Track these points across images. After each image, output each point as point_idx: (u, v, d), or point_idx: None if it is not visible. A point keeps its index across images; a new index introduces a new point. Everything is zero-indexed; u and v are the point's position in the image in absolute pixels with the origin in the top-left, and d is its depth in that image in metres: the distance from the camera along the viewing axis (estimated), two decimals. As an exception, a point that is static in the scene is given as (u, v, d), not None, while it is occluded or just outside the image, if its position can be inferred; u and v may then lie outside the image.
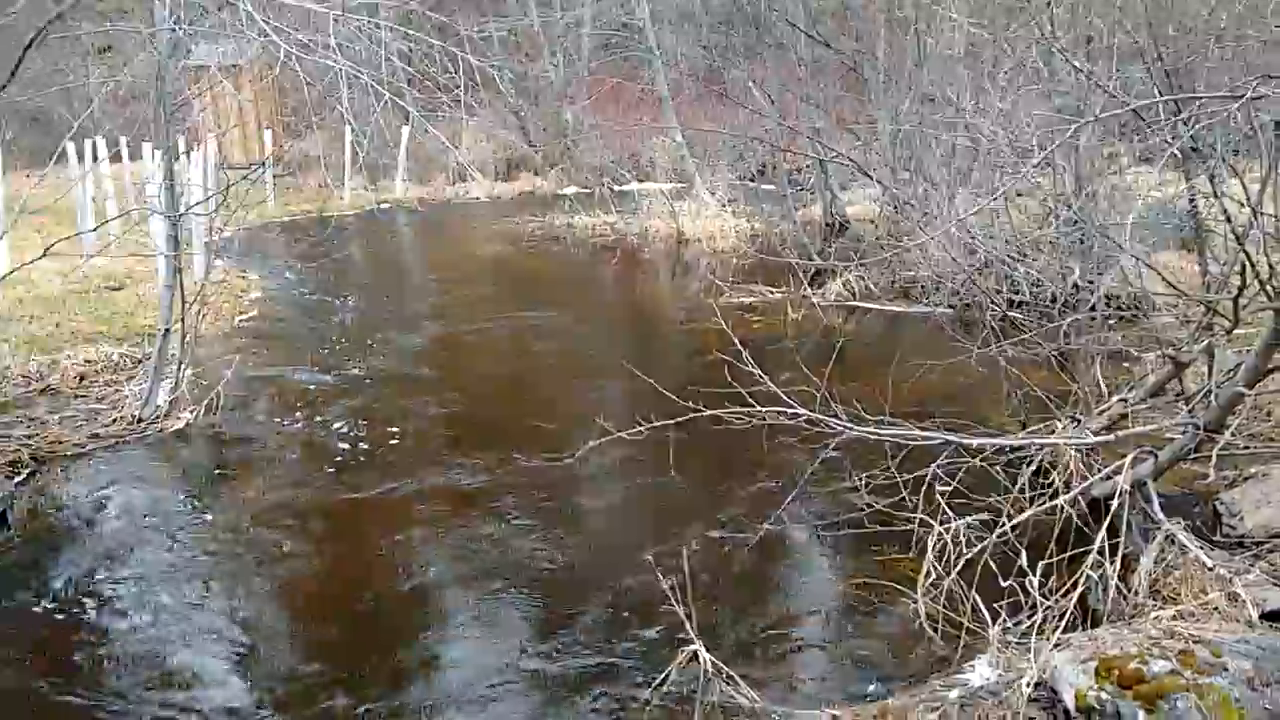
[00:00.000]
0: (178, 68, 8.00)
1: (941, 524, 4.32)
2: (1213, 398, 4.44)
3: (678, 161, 17.65)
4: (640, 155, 20.25)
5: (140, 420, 6.69)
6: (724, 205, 15.27)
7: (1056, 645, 3.58)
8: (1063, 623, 3.79)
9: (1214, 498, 4.91)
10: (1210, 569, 4.06)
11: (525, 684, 3.96)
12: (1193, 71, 5.32)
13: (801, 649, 4.17)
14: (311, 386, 7.77)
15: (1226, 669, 3.13)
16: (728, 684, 3.57)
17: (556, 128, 22.48)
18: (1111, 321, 6.00)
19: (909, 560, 4.59)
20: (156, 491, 5.79)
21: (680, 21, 21.40)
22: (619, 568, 4.86)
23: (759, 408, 4.46)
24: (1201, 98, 3.87)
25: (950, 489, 4.67)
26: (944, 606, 4.09)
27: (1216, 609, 3.87)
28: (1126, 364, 6.40)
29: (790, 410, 4.39)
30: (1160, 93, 4.39)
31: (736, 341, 4.88)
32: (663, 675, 3.72)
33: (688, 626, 3.64)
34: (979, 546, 4.17)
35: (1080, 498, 4.58)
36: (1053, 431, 5.13)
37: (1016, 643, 3.78)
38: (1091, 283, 5.39)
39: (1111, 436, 4.71)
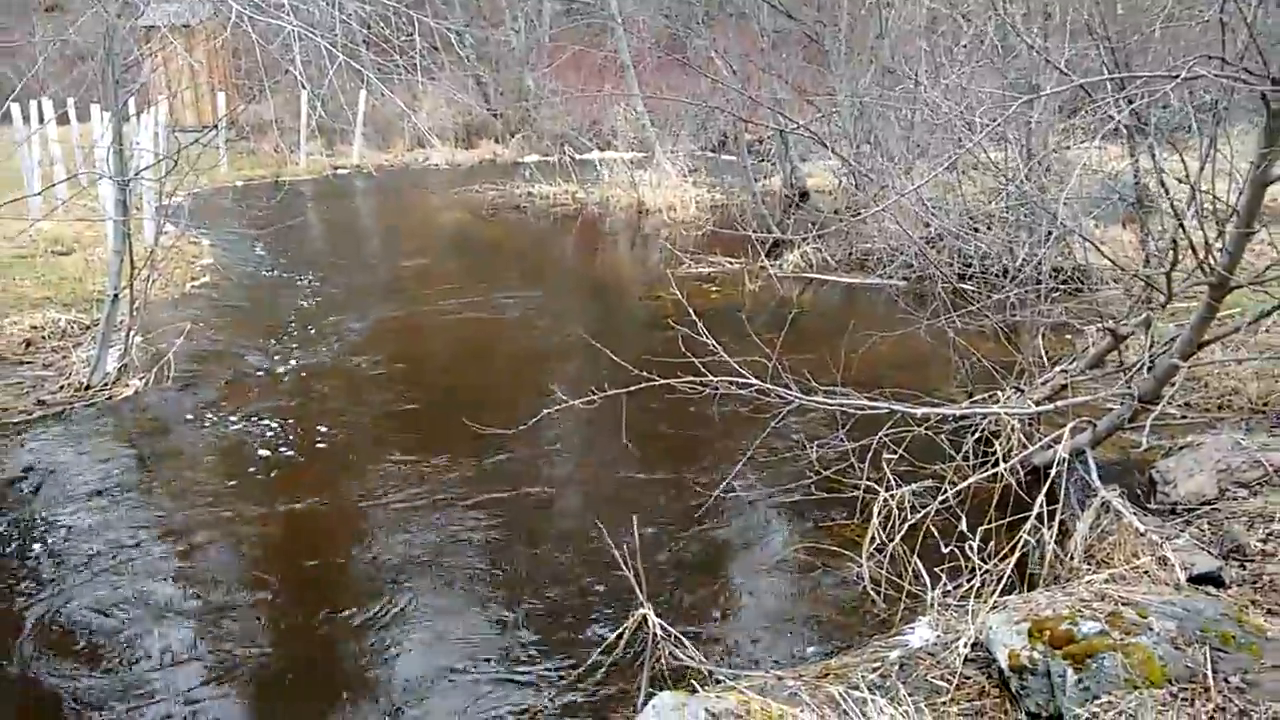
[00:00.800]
0: (127, 27, 7.80)
1: (887, 491, 4.42)
2: (1149, 369, 4.56)
3: (639, 130, 17.57)
4: (602, 123, 20.14)
5: (88, 387, 6.60)
6: (685, 175, 15.27)
7: (993, 608, 3.68)
8: (1000, 586, 3.90)
9: (1150, 466, 5.06)
10: (1142, 534, 4.19)
11: (476, 648, 4.00)
12: (1143, 50, 5.41)
13: (749, 612, 4.26)
14: (263, 353, 7.70)
15: (1152, 629, 3.24)
16: (675, 646, 3.65)
17: (518, 94, 22.26)
18: (1056, 294, 6.12)
19: (855, 526, 4.70)
20: (104, 459, 5.72)
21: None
22: (571, 534, 4.91)
23: (711, 378, 4.51)
24: (1142, 76, 3.95)
25: (896, 457, 4.77)
26: (887, 571, 4.20)
27: (1147, 572, 4.01)
28: (1069, 336, 6.55)
29: (742, 380, 4.45)
30: (1107, 70, 4.46)
31: (692, 312, 4.92)
32: (611, 638, 3.78)
33: (637, 590, 3.70)
34: (922, 513, 4.28)
35: (1021, 466, 4.70)
36: (997, 401, 5.25)
37: (955, 605, 3.89)
38: (1037, 256, 5.50)
39: (1052, 406, 4.83)
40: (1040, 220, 5.60)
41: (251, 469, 5.63)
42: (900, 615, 4.03)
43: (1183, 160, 4.38)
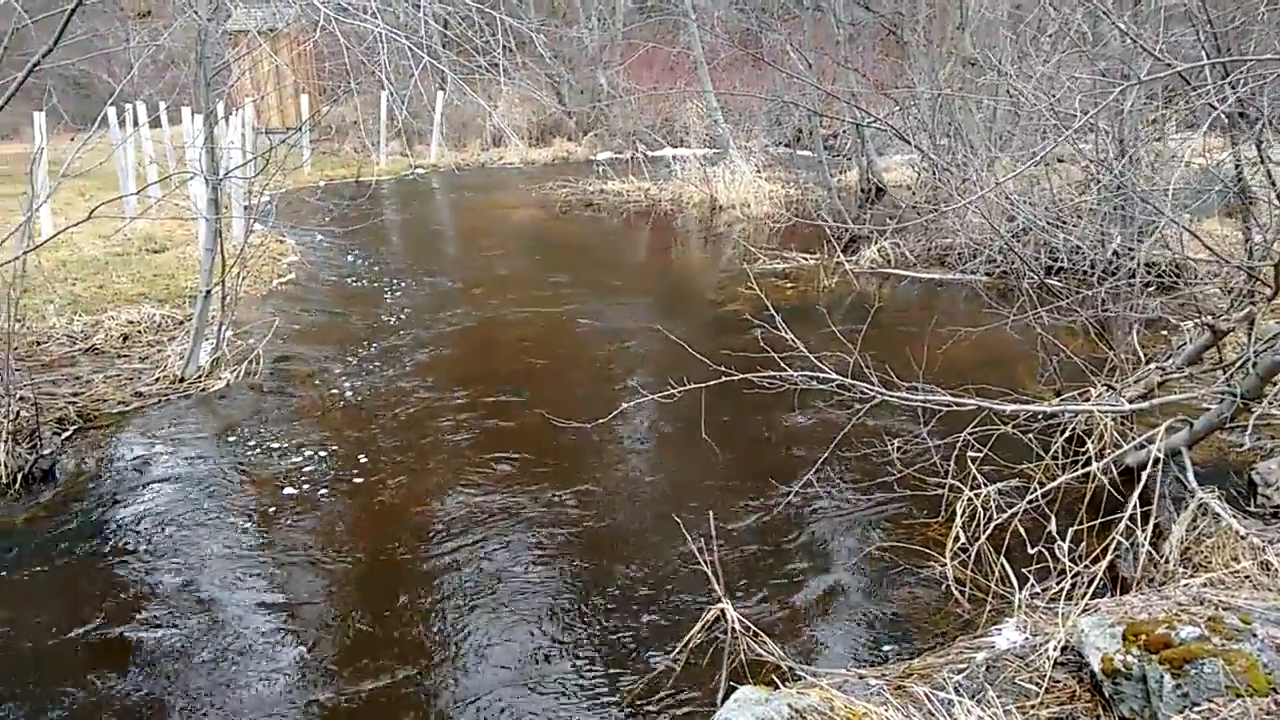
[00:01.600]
0: (217, 32, 8.06)
1: (972, 490, 4.33)
2: (1251, 366, 4.38)
3: (712, 126, 17.52)
4: (674, 120, 20.14)
5: (182, 380, 6.83)
6: (759, 171, 15.18)
7: (1085, 610, 3.58)
8: (1091, 588, 3.79)
9: (1249, 468, 4.86)
10: (1243, 537, 4.04)
11: (554, 640, 4.04)
12: (1244, 34, 5.19)
13: (828, 609, 4.22)
14: (345, 348, 7.89)
15: (1256, 635, 3.12)
16: (754, 641, 3.63)
17: (591, 92, 22.39)
18: (1150, 289, 5.91)
19: (938, 525, 4.62)
20: (198, 449, 5.92)
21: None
22: (650, 528, 4.93)
23: (792, 372, 4.47)
24: (1250, 60, 3.78)
25: (982, 455, 4.67)
26: (972, 571, 4.12)
27: (1248, 577, 3.86)
28: (1164, 332, 6.33)
29: (823, 375, 4.40)
30: (1208, 55, 4.28)
31: (770, 306, 4.88)
32: (690, 633, 3.78)
33: (715, 585, 3.69)
34: (1009, 513, 4.18)
35: (1113, 466, 4.56)
36: (1088, 399, 5.10)
37: (1044, 607, 3.79)
38: (1131, 250, 5.31)
39: (1147, 405, 4.68)
40: (1133, 212, 5.41)
41: (335, 461, 5.77)
42: (986, 617, 3.95)
43: (1289, 148, 4.20)
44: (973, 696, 3.26)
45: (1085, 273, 5.76)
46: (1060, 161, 8.30)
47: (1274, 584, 3.77)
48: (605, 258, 12.07)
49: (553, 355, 7.89)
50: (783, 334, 4.67)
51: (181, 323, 7.98)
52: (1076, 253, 5.84)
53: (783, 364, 4.49)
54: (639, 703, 3.64)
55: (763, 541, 4.76)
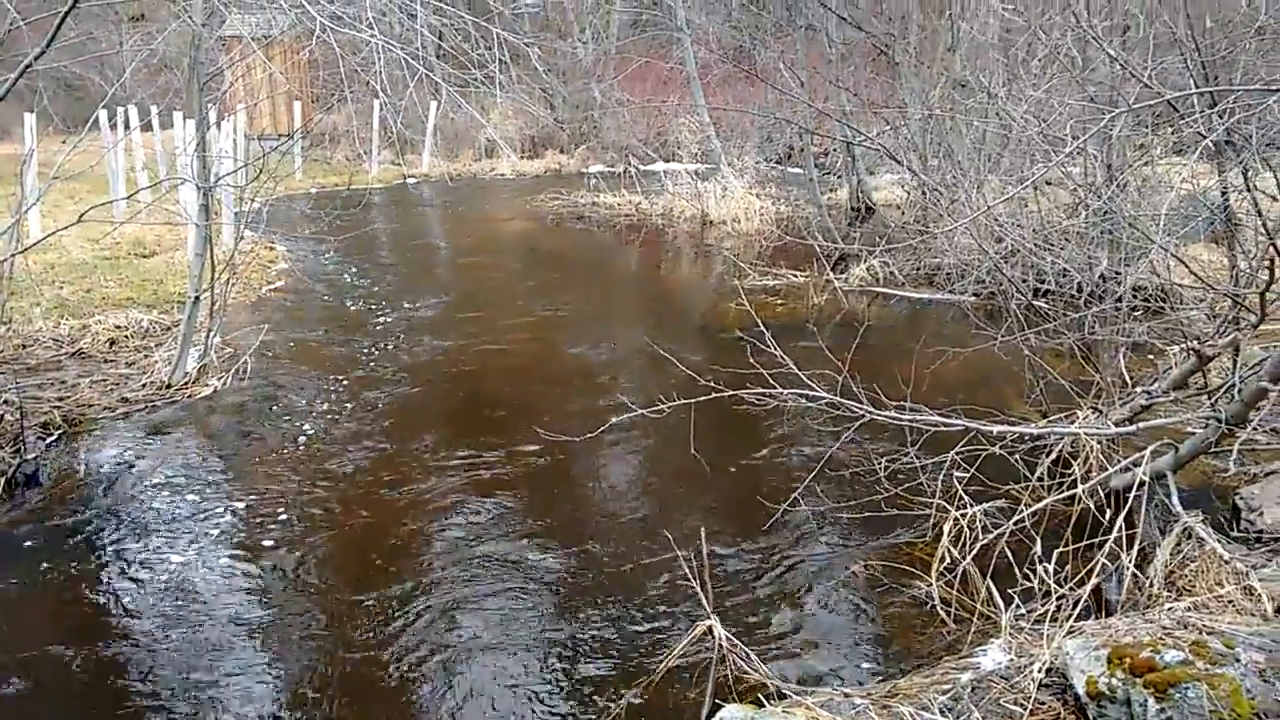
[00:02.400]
0: (212, 38, 8.05)
1: (958, 510, 4.34)
2: (1236, 392, 4.42)
3: (704, 142, 17.60)
4: (667, 135, 20.21)
5: (169, 386, 6.80)
6: (750, 187, 15.25)
7: (1069, 633, 3.60)
8: (1076, 611, 3.80)
9: (1233, 493, 4.90)
10: (1227, 562, 4.06)
11: (539, 654, 4.02)
12: (1230, 64, 5.26)
13: (815, 627, 4.22)
14: (336, 356, 7.87)
15: (1239, 660, 3.14)
16: (741, 659, 3.62)
17: (584, 105, 22.46)
18: (1137, 313, 5.96)
19: (925, 545, 4.63)
20: (184, 455, 5.89)
21: (710, 0, 21.27)
22: (637, 543, 4.92)
23: (781, 390, 4.48)
24: (1238, 90, 3.83)
25: (969, 476, 4.69)
26: (958, 591, 4.13)
27: (1231, 602, 3.88)
28: (1150, 356, 6.38)
29: (811, 393, 4.41)
30: (1196, 84, 4.34)
31: (760, 323, 4.90)
32: (676, 648, 3.77)
33: (703, 601, 3.68)
34: (995, 533, 4.19)
35: (1099, 488, 4.59)
36: (1074, 421, 5.13)
37: (1029, 629, 3.80)
38: (1118, 274, 5.36)
39: (1133, 428, 4.71)
40: (1120, 237, 5.46)
41: (322, 470, 5.74)
42: (971, 637, 3.95)
43: (1276, 176, 4.24)
44: (957, 717, 3.27)
45: (1072, 295, 5.81)
46: (1048, 184, 8.38)
47: (1257, 609, 3.79)
48: (596, 271, 12.08)
49: (542, 368, 7.89)
50: (773, 351, 4.69)
51: (169, 328, 7.94)
52: (1064, 275, 5.90)
53: (772, 381, 4.50)
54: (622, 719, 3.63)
55: (750, 558, 4.76)
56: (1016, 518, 4.23)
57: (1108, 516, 4.27)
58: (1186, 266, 4.50)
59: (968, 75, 11.07)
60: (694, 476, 5.49)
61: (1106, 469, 4.78)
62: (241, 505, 5.30)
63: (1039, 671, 3.44)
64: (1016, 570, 4.10)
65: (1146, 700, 3.05)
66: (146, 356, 7.38)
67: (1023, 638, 3.77)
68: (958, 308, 8.95)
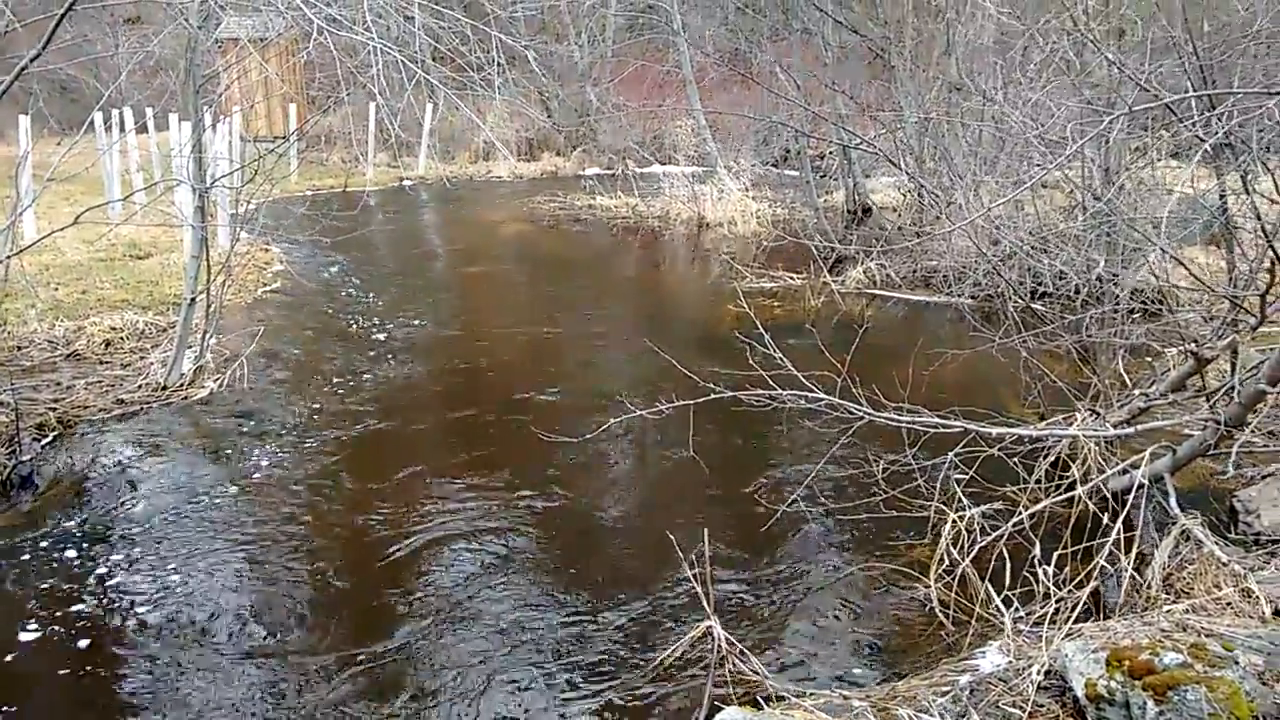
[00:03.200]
0: (208, 40, 8.04)
1: (957, 512, 4.35)
2: (1235, 394, 4.43)
3: (700, 145, 17.61)
4: (663, 138, 20.23)
5: (165, 387, 6.77)
6: (746, 190, 15.26)
7: (1068, 635, 3.60)
8: (1075, 613, 3.81)
9: (1231, 495, 4.90)
10: (1225, 564, 4.07)
11: (538, 654, 4.01)
12: (1227, 67, 5.27)
13: (814, 629, 4.21)
14: (330, 359, 7.85)
15: (1238, 663, 3.14)
16: (741, 660, 3.62)
17: (580, 108, 22.47)
18: (1135, 315, 5.98)
19: (923, 546, 4.63)
20: (179, 457, 5.87)
21: (706, 3, 21.29)
22: (636, 544, 4.92)
23: (780, 391, 4.48)
24: (1238, 93, 3.83)
25: (967, 478, 4.69)
26: (956, 593, 4.13)
27: (1229, 604, 3.88)
28: (1148, 358, 6.39)
29: (810, 395, 4.41)
30: (1194, 87, 4.34)
31: (759, 325, 4.90)
32: (675, 647, 3.77)
33: (704, 602, 3.68)
34: (993, 535, 4.19)
35: (1098, 490, 4.59)
36: (1072, 423, 5.13)
37: (1028, 631, 3.81)
38: (1115, 276, 5.37)
39: (1131, 430, 4.71)
40: (1118, 239, 5.47)
41: (319, 473, 5.73)
42: (969, 639, 3.95)
43: (1274, 180, 4.25)
44: (956, 719, 3.27)
45: (1070, 298, 5.81)
46: (1044, 187, 8.39)
47: (1255, 611, 3.79)
48: (593, 273, 12.08)
49: (539, 370, 7.87)
50: (771, 352, 4.69)
51: (164, 330, 7.91)
52: (1061, 278, 5.90)
53: (772, 383, 4.50)
54: (622, 718, 3.62)
55: (749, 559, 4.75)
56: (1015, 520, 4.24)
57: (1106, 518, 4.28)
58: (1187, 269, 4.50)
59: (964, 78, 11.08)
60: (693, 478, 5.49)
61: (1104, 471, 4.79)
62: (237, 508, 5.28)
63: (1038, 674, 3.44)
64: (1015, 572, 4.10)
65: (1146, 703, 3.05)
66: (142, 358, 7.34)
67: (1021, 640, 3.77)
68: (954, 310, 8.96)
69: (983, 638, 3.93)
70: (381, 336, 8.57)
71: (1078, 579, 3.96)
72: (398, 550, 4.86)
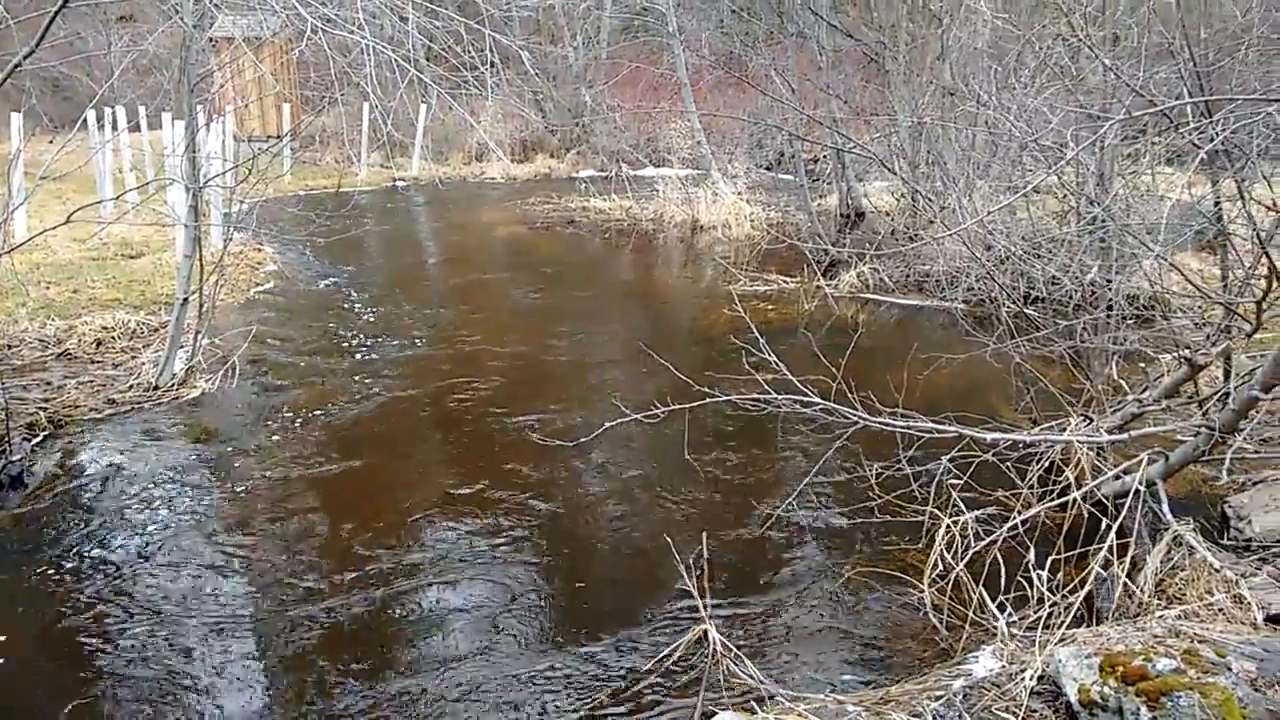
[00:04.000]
0: (202, 39, 8.01)
1: (950, 517, 4.35)
2: (1228, 401, 4.44)
3: (694, 147, 17.61)
4: (657, 140, 20.23)
5: (157, 387, 6.75)
6: (740, 193, 15.27)
7: (1061, 640, 3.60)
8: (1068, 618, 3.81)
9: (1223, 501, 4.92)
10: (1217, 570, 4.08)
11: (533, 657, 4.00)
12: (1224, 73, 5.28)
13: (809, 633, 4.21)
14: (323, 359, 7.82)
15: (1230, 669, 3.14)
16: (735, 664, 3.61)
17: (575, 110, 22.47)
18: (1128, 321, 5.99)
19: (917, 551, 4.63)
20: (171, 457, 5.84)
21: (701, 6, 21.29)
22: (631, 548, 4.91)
23: (775, 395, 4.48)
24: (1236, 99, 3.84)
25: (961, 483, 4.69)
26: (950, 598, 4.13)
27: (1222, 610, 3.89)
28: (1141, 364, 6.40)
29: (805, 399, 4.41)
30: (1190, 93, 4.36)
31: (754, 329, 4.89)
32: (670, 650, 3.76)
33: (700, 606, 3.67)
34: (987, 540, 4.19)
35: (1091, 495, 4.60)
36: (1065, 429, 5.14)
37: (1022, 636, 3.81)
38: (1109, 281, 5.38)
39: (1124, 436, 4.72)
40: (1111, 244, 5.48)
41: (311, 473, 5.71)
42: (963, 644, 3.95)
43: (1269, 186, 4.27)
44: (950, 724, 3.26)
45: (1063, 303, 5.82)
46: (1037, 192, 8.40)
47: (1247, 617, 3.80)
48: (586, 276, 12.06)
49: (534, 372, 7.86)
50: (766, 356, 4.68)
51: (156, 329, 7.88)
52: (1054, 283, 5.91)
53: (766, 387, 4.50)
54: (616, 724, 3.62)
55: (744, 563, 4.75)
56: (1009, 525, 4.24)
57: (1100, 524, 4.28)
58: (1183, 275, 4.51)
59: (958, 83, 11.10)
60: (688, 482, 5.48)
61: (1098, 477, 4.80)
62: (229, 508, 5.26)
63: (1031, 679, 3.44)
64: (1008, 577, 4.10)
65: (1139, 709, 3.05)
66: (134, 358, 7.32)
67: (1015, 645, 3.77)
68: (948, 314, 8.97)
69: (976, 642, 3.94)
70: (374, 336, 8.55)
71: (1071, 584, 3.97)
72: (390, 552, 4.84)
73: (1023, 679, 3.45)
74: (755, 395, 4.45)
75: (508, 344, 8.56)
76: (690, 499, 5.41)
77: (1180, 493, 5.02)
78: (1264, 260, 4.06)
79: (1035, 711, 3.37)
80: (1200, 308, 5.53)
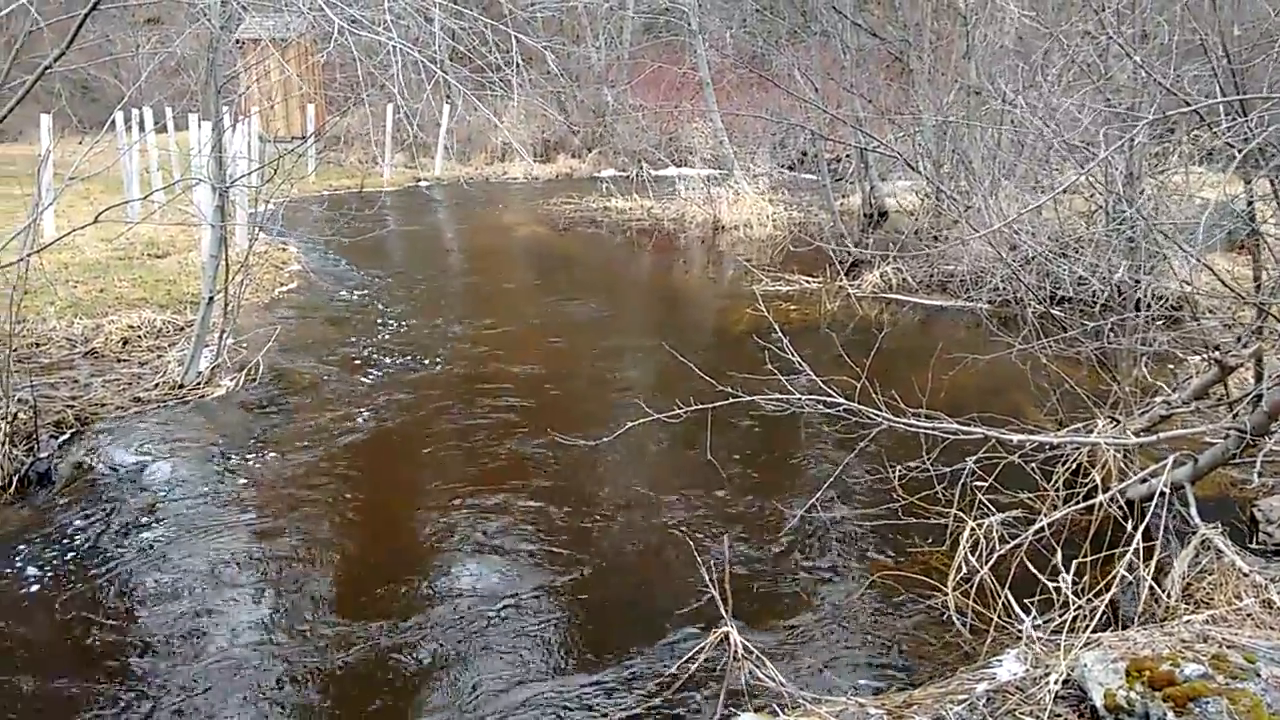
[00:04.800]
0: (229, 40, 8.08)
1: (975, 519, 4.31)
2: (1260, 403, 4.37)
3: (716, 147, 17.59)
4: (679, 140, 20.22)
5: (182, 386, 6.80)
6: (762, 193, 15.23)
7: (1086, 644, 3.56)
8: (1094, 622, 3.76)
9: (1252, 504, 4.84)
10: (1246, 574, 4.02)
11: (552, 657, 4.01)
12: (1255, 71, 5.20)
13: (830, 635, 4.18)
14: (346, 359, 7.87)
15: (1260, 675, 3.10)
16: (757, 666, 3.60)
17: (596, 110, 22.50)
18: (1156, 322, 5.92)
19: (941, 554, 4.59)
20: (196, 455, 5.89)
21: (724, 5, 21.26)
22: (652, 548, 4.90)
23: (798, 395, 4.45)
24: (1272, 98, 3.78)
25: (986, 485, 4.65)
26: (974, 601, 4.09)
27: (1250, 615, 3.83)
28: (1170, 366, 6.33)
29: (828, 399, 4.38)
30: (1224, 92, 4.29)
31: (777, 329, 4.87)
32: (692, 652, 3.75)
33: (721, 608, 3.66)
34: (1012, 543, 4.15)
35: (1118, 498, 4.54)
36: (1092, 431, 5.08)
37: (1046, 640, 3.76)
38: (1137, 281, 5.32)
39: (1152, 438, 4.66)
40: (1140, 244, 5.42)
41: (333, 472, 5.74)
42: (987, 648, 3.91)
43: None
44: (973, 728, 3.23)
45: (1089, 303, 5.76)
46: (1065, 192, 8.32)
47: (1277, 622, 3.75)
48: (608, 276, 12.08)
49: (556, 373, 7.87)
50: (789, 356, 4.66)
51: (182, 329, 7.95)
52: (1081, 283, 5.85)
53: (789, 387, 4.48)
54: (636, 725, 3.61)
55: (766, 564, 4.73)
56: (1035, 528, 4.20)
57: (1125, 527, 4.23)
58: (1216, 275, 4.45)
59: (983, 82, 11.02)
60: (710, 482, 5.47)
61: (1124, 479, 4.74)
62: (254, 506, 5.30)
63: (1055, 683, 3.40)
64: (1033, 581, 4.06)
65: (1166, 714, 3.02)
66: (159, 356, 7.38)
67: (1039, 649, 3.73)
68: (972, 315, 8.90)
69: (1000, 646, 3.89)
70: (394, 337, 8.59)
71: (1096, 588, 3.92)
72: (411, 554, 4.86)
73: (1047, 683, 3.42)
74: (778, 396, 4.43)
75: (528, 346, 8.58)
76: (712, 500, 5.40)
77: (1209, 496, 4.95)
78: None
79: (1059, 716, 3.33)
80: (1230, 308, 5.45)
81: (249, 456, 5.95)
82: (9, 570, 4.58)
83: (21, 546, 4.81)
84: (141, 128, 12.94)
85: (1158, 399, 5.28)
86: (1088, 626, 3.74)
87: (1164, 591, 4.16)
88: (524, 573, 4.66)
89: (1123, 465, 4.94)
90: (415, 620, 4.27)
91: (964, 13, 12.05)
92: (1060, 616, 3.90)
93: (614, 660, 3.98)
